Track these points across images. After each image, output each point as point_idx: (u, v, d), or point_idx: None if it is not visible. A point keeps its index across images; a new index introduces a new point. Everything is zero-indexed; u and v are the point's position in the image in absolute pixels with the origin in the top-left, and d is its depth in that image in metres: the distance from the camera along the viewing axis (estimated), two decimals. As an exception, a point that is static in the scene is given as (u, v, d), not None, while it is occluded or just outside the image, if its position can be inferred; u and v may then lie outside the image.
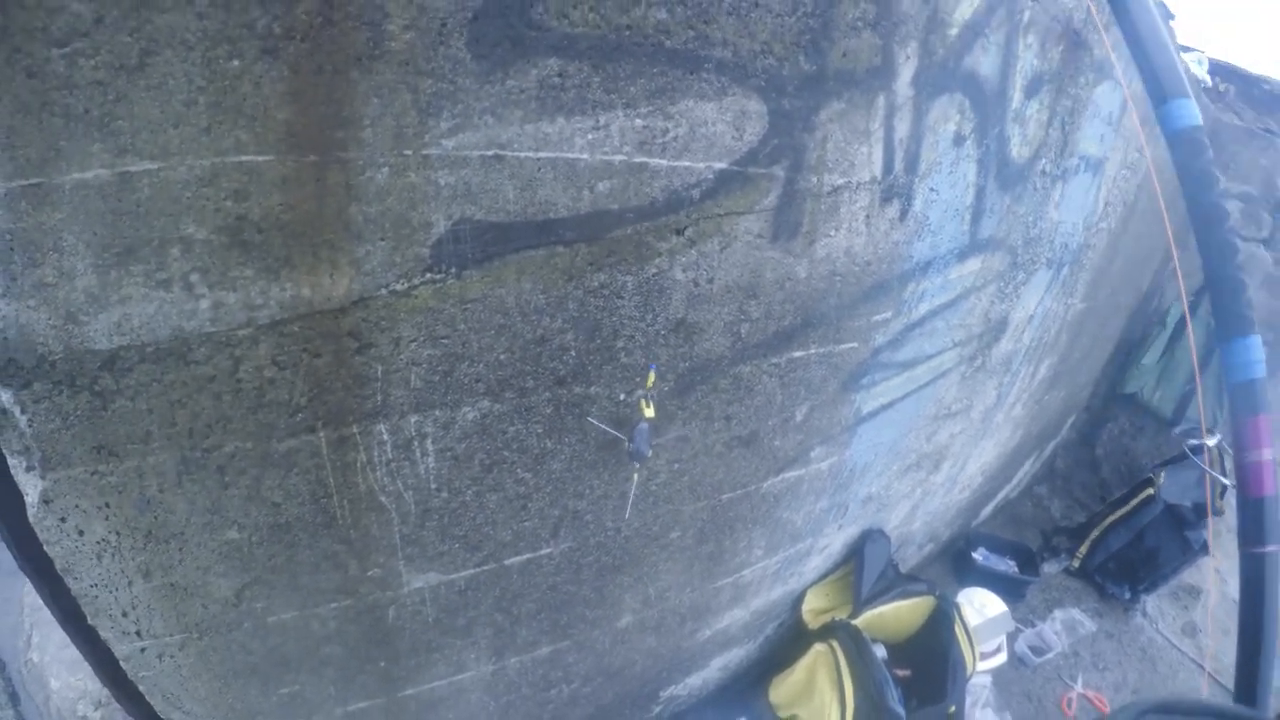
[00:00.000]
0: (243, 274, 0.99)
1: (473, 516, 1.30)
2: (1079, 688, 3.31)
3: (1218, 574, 3.92)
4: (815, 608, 2.60)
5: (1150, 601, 3.81)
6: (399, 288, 1.04)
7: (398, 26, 0.94)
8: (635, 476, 1.38)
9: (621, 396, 1.29)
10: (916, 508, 2.81)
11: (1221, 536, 3.71)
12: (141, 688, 1.37)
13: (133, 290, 0.98)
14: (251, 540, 1.17)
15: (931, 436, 2.44)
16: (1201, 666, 3.57)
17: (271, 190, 0.96)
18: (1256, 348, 1.49)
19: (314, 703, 1.49)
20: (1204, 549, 3.62)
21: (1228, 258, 1.50)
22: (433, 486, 1.21)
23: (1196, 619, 3.80)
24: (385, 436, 1.12)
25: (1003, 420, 2.95)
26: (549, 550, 1.47)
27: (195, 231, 0.96)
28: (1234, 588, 3.90)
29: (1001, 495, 3.94)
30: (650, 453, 1.32)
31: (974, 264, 1.92)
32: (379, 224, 1.00)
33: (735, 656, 2.59)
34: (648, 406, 1.27)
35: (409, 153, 0.99)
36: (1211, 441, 3.69)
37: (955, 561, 3.67)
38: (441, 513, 1.26)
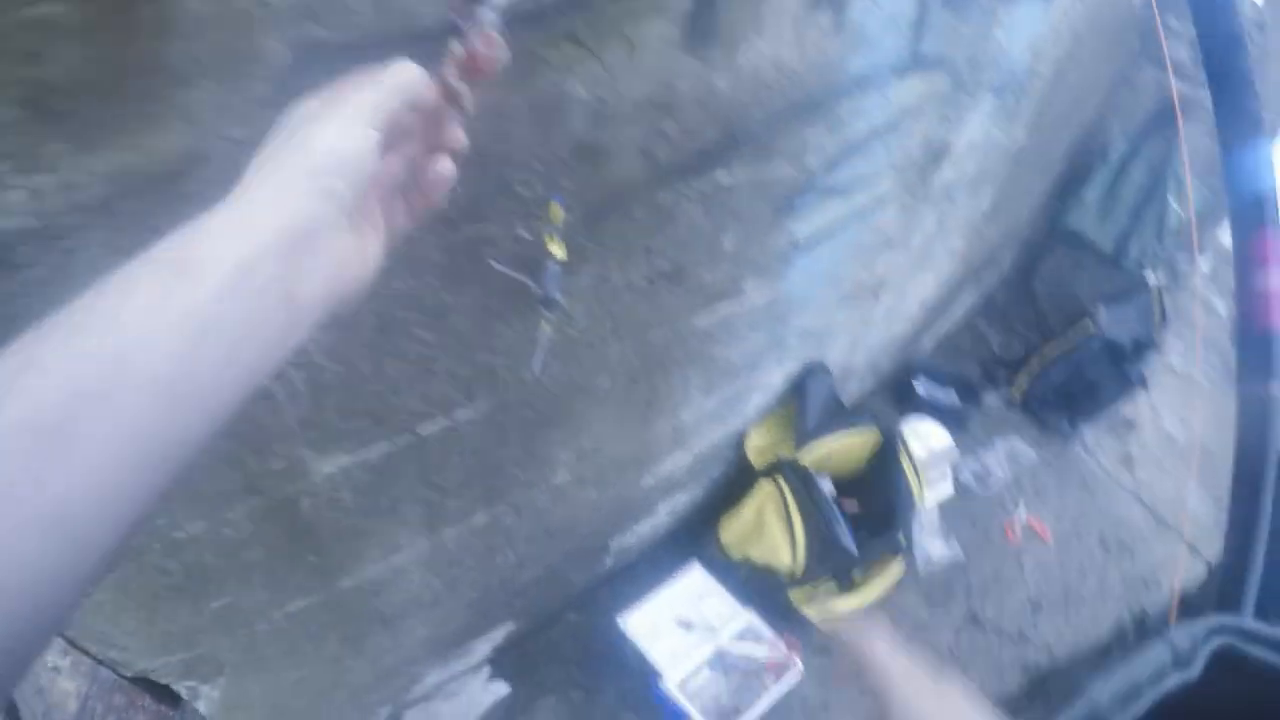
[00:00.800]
0: (54, 151, 0.79)
1: (373, 387, 1.15)
2: (1022, 515, 3.38)
3: (1154, 408, 4.01)
4: (759, 445, 2.54)
5: (1089, 433, 3.88)
6: (238, 135, 0.85)
7: None
8: (548, 326, 1.22)
9: (524, 235, 1.12)
10: (857, 341, 2.75)
11: (1158, 372, 3.75)
12: (70, 634, 1.25)
13: None
14: None
15: (871, 267, 2.34)
16: (1138, 498, 3.67)
17: (72, 45, 0.75)
18: (1268, 151, 1.33)
19: (250, 610, 1.38)
20: (1142, 383, 3.70)
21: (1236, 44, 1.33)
22: (321, 360, 1.05)
23: (1133, 451, 3.87)
24: None
25: (942, 252, 2.87)
26: (466, 414, 1.33)
27: None
28: (1168, 421, 4.06)
29: (941, 327, 3.91)
30: (561, 296, 1.16)
31: (915, 83, 1.77)
32: (204, 62, 0.80)
33: (682, 500, 2.55)
34: (555, 244, 1.11)
35: (226, -31, 0.79)
36: (1153, 278, 3.75)
37: (897, 393, 3.65)
38: (337, 388, 1.10)
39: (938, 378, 3.67)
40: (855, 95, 1.60)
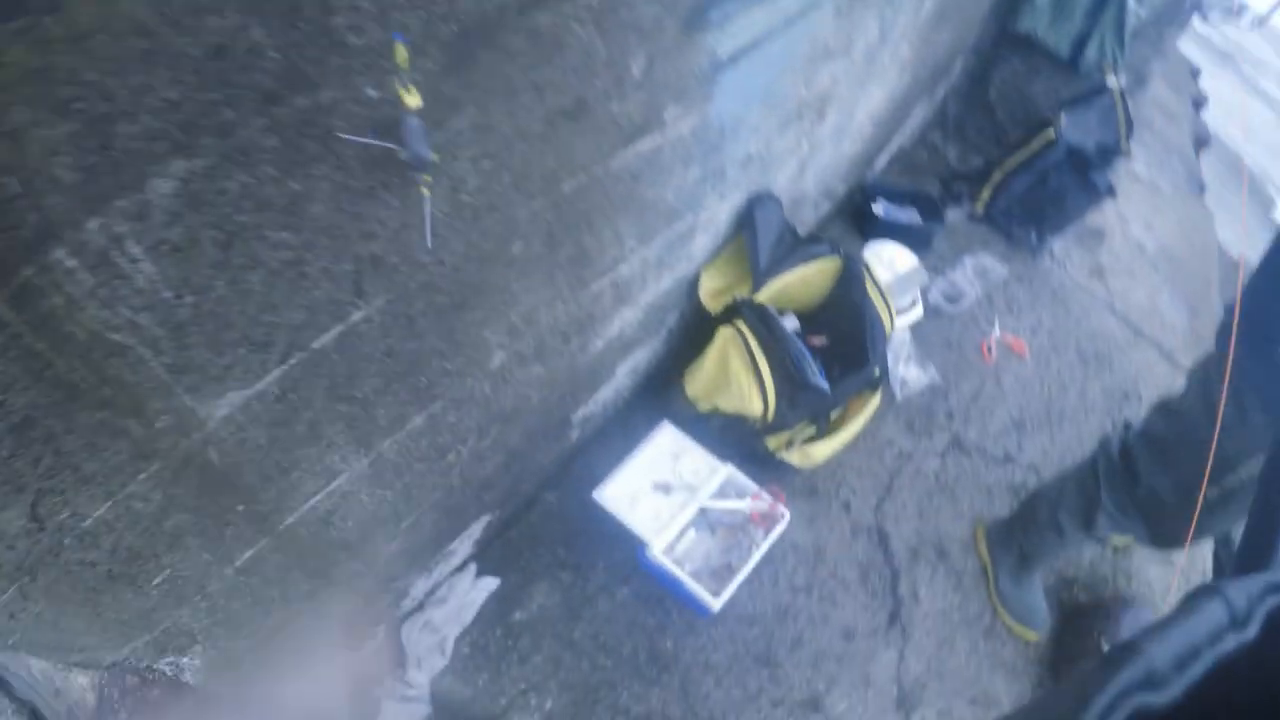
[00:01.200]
0: None
1: (240, 310, 0.98)
2: (997, 332, 3.36)
3: (1121, 217, 4.00)
4: (713, 288, 2.41)
5: (1057, 245, 3.86)
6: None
7: None
8: (427, 191, 1.04)
9: (371, 93, 0.93)
10: (805, 164, 2.57)
11: (1123, 180, 3.66)
12: (25, 651, 1.17)
13: None
14: (4, 447, 0.86)
15: (810, 81, 2.16)
16: (1111, 308, 3.66)
17: None
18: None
19: (196, 577, 1.27)
20: (1110, 191, 3.59)
21: None
22: (167, 295, 0.88)
23: (1103, 261, 3.86)
24: (71, 262, 0.78)
25: (889, 61, 2.69)
26: (361, 314, 1.17)
27: None
28: (1136, 230, 3.98)
29: (894, 144, 3.77)
30: (434, 154, 0.98)
31: None
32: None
33: (641, 358, 2.44)
34: (408, 93, 0.92)
35: None
36: (1114, 82, 3.59)
37: (855, 217, 3.55)
38: (200, 321, 0.94)
39: (896, 197, 3.57)
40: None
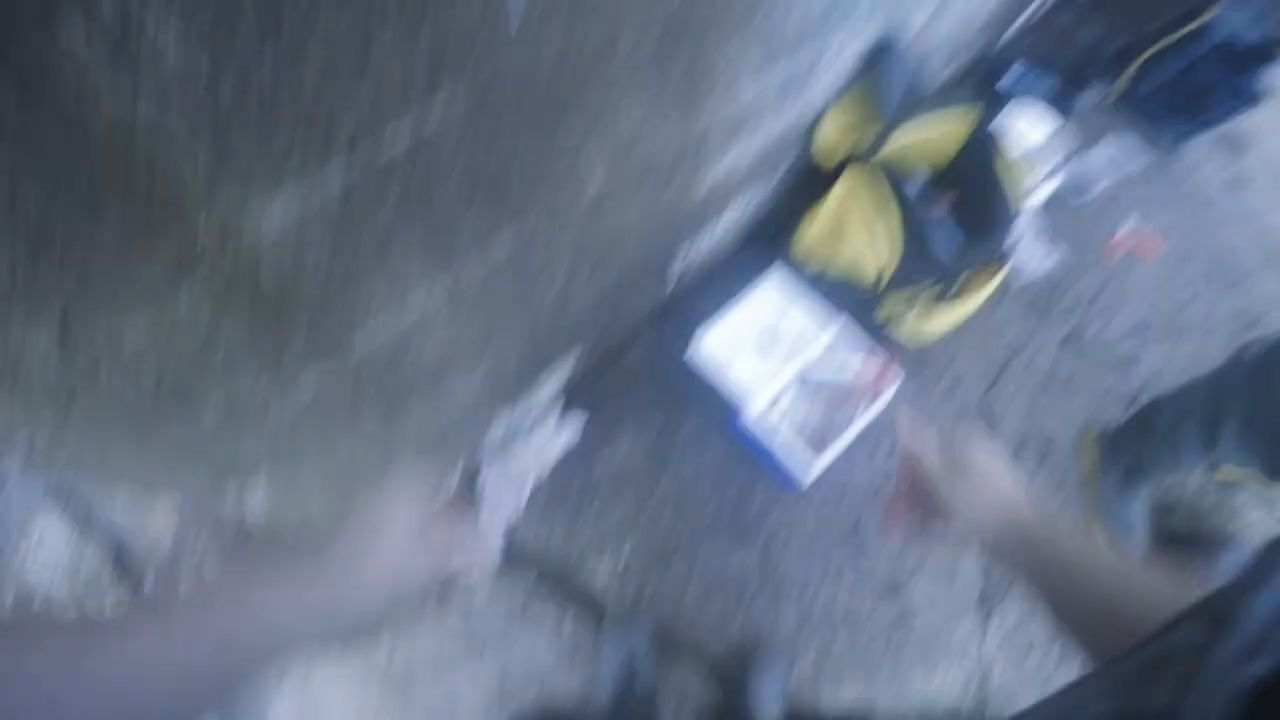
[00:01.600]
0: None
1: (293, 81, 0.81)
2: (1126, 228, 3.08)
3: (1273, 127, 3.55)
4: (832, 138, 2.19)
5: (1196, 145, 3.45)
6: None
7: None
8: None
9: None
10: (939, 11, 2.29)
11: (1274, 89, 3.20)
12: (74, 474, 1.10)
13: None
14: (16, 262, 0.74)
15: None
16: (1247, 225, 3.29)
17: None
18: None
19: (253, 412, 1.17)
20: (1259, 97, 3.18)
21: None
22: (204, 65, 0.72)
23: (1244, 172, 3.46)
24: (81, 42, 0.62)
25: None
26: (438, 111, 0.99)
27: None
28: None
29: (1032, 8, 3.41)
30: None
31: None
32: None
33: (750, 205, 2.26)
34: None
35: None
36: None
37: (984, 84, 3.22)
38: (242, 92, 0.77)
39: (1029, 70, 3.23)
40: None
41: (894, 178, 2.07)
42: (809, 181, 2.27)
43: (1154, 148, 3.34)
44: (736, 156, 1.88)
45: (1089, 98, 3.40)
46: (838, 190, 2.15)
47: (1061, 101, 3.19)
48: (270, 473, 1.37)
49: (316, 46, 0.80)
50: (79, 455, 1.03)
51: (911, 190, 2.11)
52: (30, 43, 0.61)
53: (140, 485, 1.25)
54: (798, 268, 2.29)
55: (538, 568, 2.17)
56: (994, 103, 3.04)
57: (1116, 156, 3.10)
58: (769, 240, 2.42)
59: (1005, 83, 3.14)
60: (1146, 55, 3.26)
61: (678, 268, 2.18)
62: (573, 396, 2.27)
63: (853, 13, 1.80)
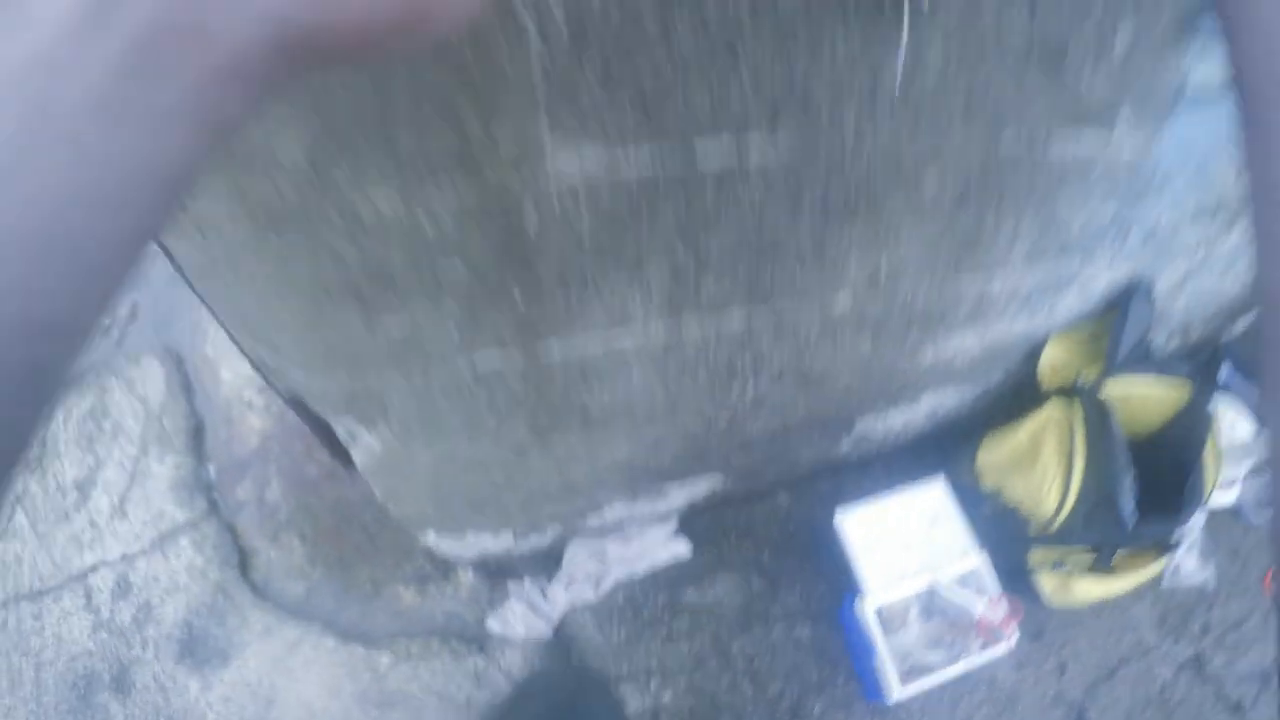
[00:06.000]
0: None
1: (653, 54, 0.81)
2: None
3: None
4: (1055, 362, 2.10)
5: None
6: None
7: None
8: (905, 34, 0.87)
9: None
10: (1189, 277, 2.20)
11: None
12: (219, 313, 1.13)
13: None
14: (331, 85, 0.76)
15: (1242, 174, 1.82)
16: None
17: None
18: None
19: (431, 349, 1.15)
20: None
21: None
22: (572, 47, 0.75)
23: None
24: None
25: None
26: (759, 146, 0.97)
27: None
28: None
29: (1253, 314, 3.24)
30: (927, 5, 0.81)
31: None
32: None
33: (950, 401, 2.17)
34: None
35: None
36: None
37: (1204, 368, 3.06)
38: (605, 40, 0.78)
39: (1245, 370, 3.07)
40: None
41: (1108, 419, 1.94)
42: (1015, 398, 2.18)
43: None
44: (967, 342, 1.84)
45: None
46: (1043, 415, 2.03)
47: (1261, 410, 3.00)
48: (398, 423, 1.34)
49: (687, 32, 0.81)
50: (239, 299, 1.06)
51: (1121, 437, 1.97)
52: None
53: (269, 362, 1.24)
54: (972, 479, 2.16)
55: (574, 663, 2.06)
56: (1209, 388, 2.91)
57: None
58: (955, 442, 2.30)
59: (1222, 374, 2.98)
60: None
61: (858, 432, 2.10)
62: (693, 517, 2.19)
63: (1121, 243, 1.76)
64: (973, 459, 2.19)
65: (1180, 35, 1.23)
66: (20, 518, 2.39)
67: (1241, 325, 3.24)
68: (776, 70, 0.88)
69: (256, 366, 1.26)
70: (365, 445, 1.39)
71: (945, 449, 2.33)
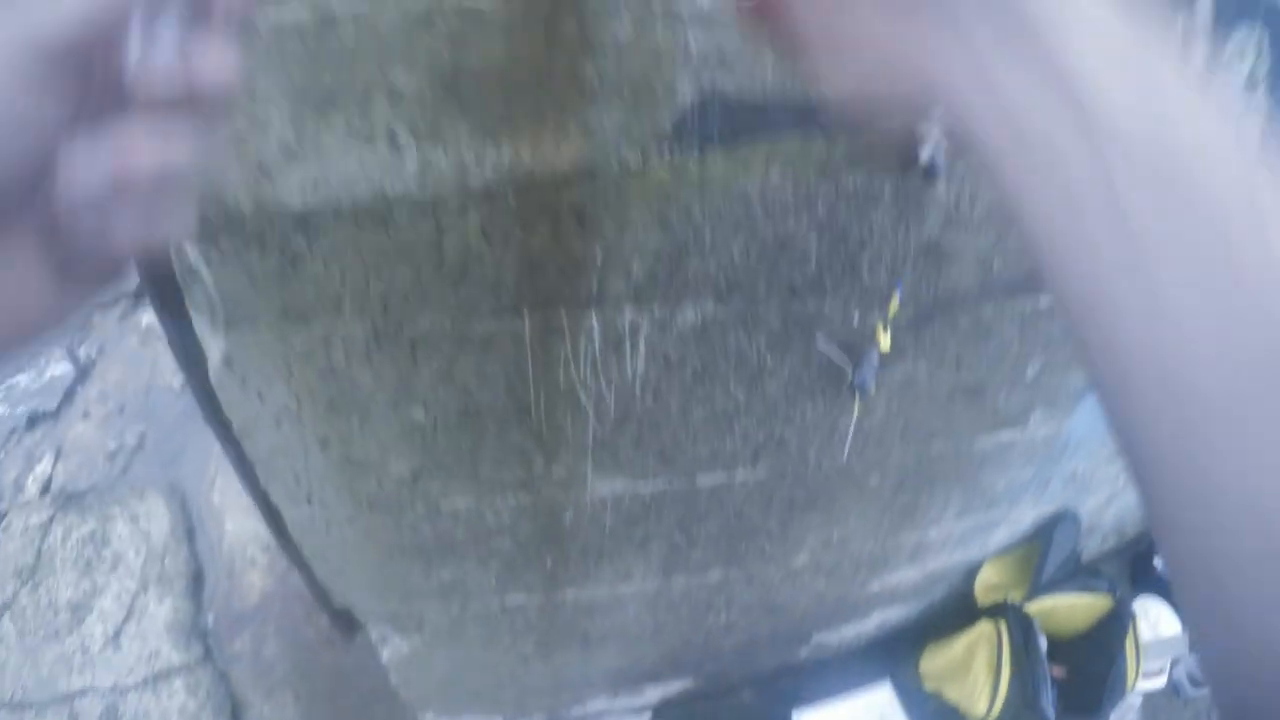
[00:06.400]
0: (455, 130, 0.87)
1: (673, 428, 1.18)
2: None
3: None
4: (989, 582, 2.40)
5: None
6: (633, 161, 0.90)
7: None
8: (856, 413, 1.22)
9: (855, 319, 1.12)
10: (1114, 498, 2.54)
11: None
12: (305, 551, 1.35)
13: (331, 143, 0.87)
14: (436, 423, 1.09)
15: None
16: None
17: (496, 37, 0.83)
18: None
19: (473, 590, 1.44)
20: None
21: None
22: (637, 391, 1.09)
23: None
24: (595, 329, 1.00)
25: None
26: (744, 475, 1.33)
27: (404, 80, 0.84)
28: None
29: None
30: (874, 388, 1.15)
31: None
32: (616, 86, 0.87)
33: (895, 615, 2.46)
34: (884, 334, 1.10)
35: (657, 5, 0.85)
36: None
37: (1134, 563, 3.34)
38: (641, 420, 1.14)
39: None
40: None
41: (1032, 636, 2.22)
42: (956, 611, 2.44)
43: None
44: (909, 574, 2.14)
45: None
46: (976, 630, 2.32)
47: None
48: (430, 635, 1.59)
49: (703, 408, 1.16)
50: (326, 547, 1.32)
51: (1042, 652, 2.24)
52: (569, 314, 1.01)
53: (330, 587, 1.47)
54: (916, 682, 2.42)
55: None
56: (1136, 581, 3.19)
57: None
58: (901, 647, 2.55)
59: (1153, 565, 3.23)
60: None
61: (815, 642, 2.37)
62: (662, 711, 2.40)
63: (1043, 491, 2.09)
64: (916, 665, 2.44)
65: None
66: (7, 624, 2.36)
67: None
68: (761, 430, 1.22)
69: (316, 584, 1.51)
70: (395, 646, 1.63)
71: (893, 653, 2.57)
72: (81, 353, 3.02)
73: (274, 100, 0.86)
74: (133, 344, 3.03)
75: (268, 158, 0.89)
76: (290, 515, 1.29)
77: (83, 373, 2.97)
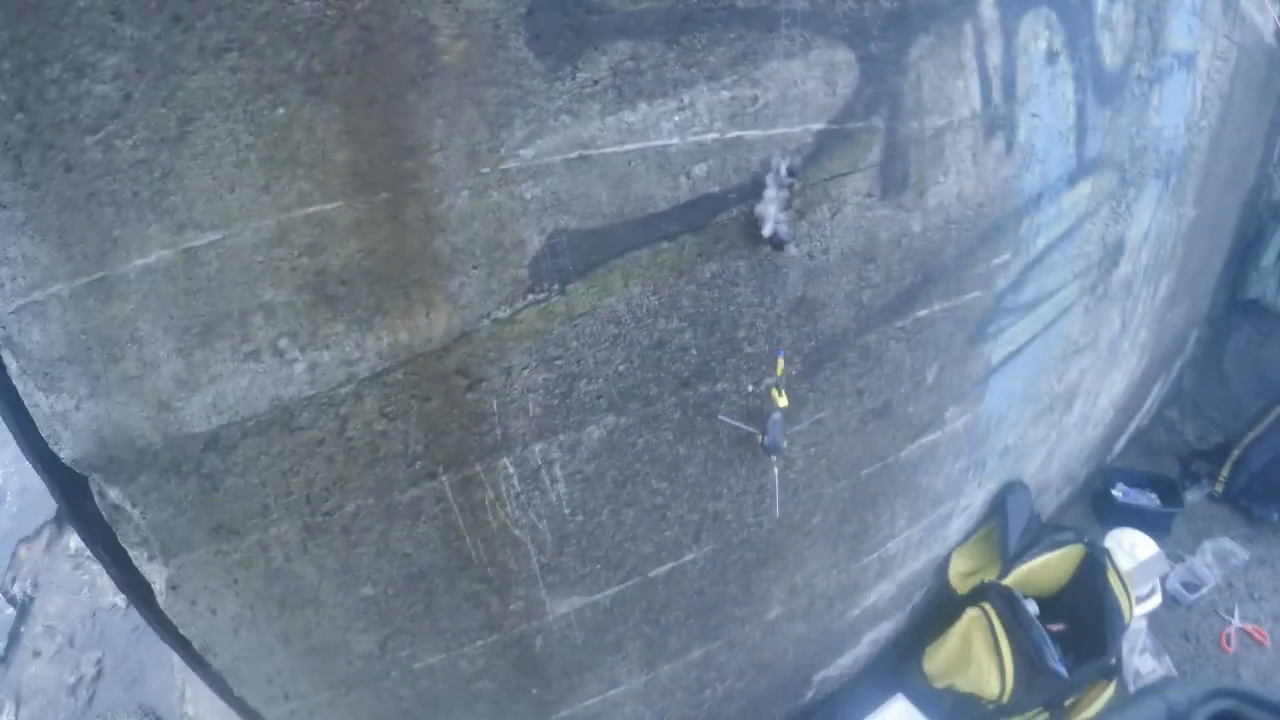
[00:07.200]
0: (333, 330, 0.94)
1: (611, 535, 1.24)
2: (1237, 621, 3.10)
3: None
4: (962, 570, 2.48)
5: None
6: (501, 315, 0.97)
7: (447, 37, 0.87)
8: (775, 469, 1.29)
9: (750, 388, 1.21)
10: (1052, 452, 2.67)
11: None
12: None
13: (221, 367, 0.94)
14: (388, 594, 1.14)
15: (1062, 376, 2.32)
16: None
17: (347, 237, 0.90)
18: None
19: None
20: None
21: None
22: (566, 512, 1.15)
23: None
24: (511, 470, 1.06)
25: (1129, 347, 2.79)
26: (692, 556, 1.39)
27: (274, 296, 0.91)
28: None
29: (1133, 426, 3.75)
30: (786, 443, 1.22)
31: (1084, 187, 1.79)
32: (468, 252, 0.94)
33: (885, 630, 2.51)
34: (780, 395, 1.18)
35: (486, 170, 0.92)
36: None
37: (1095, 502, 3.47)
38: (578, 536, 1.20)
39: (1136, 481, 3.46)
40: (1033, 212, 1.63)
41: (1017, 604, 2.29)
42: (942, 607, 2.51)
43: (1261, 532, 3.34)
44: (883, 589, 2.20)
45: (1194, 496, 3.52)
46: (966, 617, 2.36)
47: (1166, 508, 3.35)
48: None
49: (635, 510, 1.21)
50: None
51: (1032, 616, 2.31)
52: (479, 460, 1.07)
53: None
54: (926, 685, 2.47)
55: None
56: (1102, 520, 3.30)
57: (1223, 550, 3.18)
58: (902, 657, 2.62)
59: (1113, 498, 3.34)
60: (1242, 446, 3.43)
61: (817, 682, 2.41)
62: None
63: (981, 472, 2.20)
64: (921, 670, 2.50)
65: (975, 342, 1.67)
66: None
67: (1120, 445, 3.70)
68: (694, 511, 1.28)
69: None
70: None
71: (895, 666, 2.63)
72: (16, 590, 2.93)
73: (159, 339, 0.90)
74: (66, 570, 2.96)
75: (165, 393, 0.94)
76: (272, 715, 1.29)
77: (22, 611, 2.89)
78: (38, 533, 2.99)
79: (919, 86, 1.24)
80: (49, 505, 2.99)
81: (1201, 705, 0.46)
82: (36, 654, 2.76)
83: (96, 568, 2.87)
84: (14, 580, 2.92)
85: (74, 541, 2.94)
